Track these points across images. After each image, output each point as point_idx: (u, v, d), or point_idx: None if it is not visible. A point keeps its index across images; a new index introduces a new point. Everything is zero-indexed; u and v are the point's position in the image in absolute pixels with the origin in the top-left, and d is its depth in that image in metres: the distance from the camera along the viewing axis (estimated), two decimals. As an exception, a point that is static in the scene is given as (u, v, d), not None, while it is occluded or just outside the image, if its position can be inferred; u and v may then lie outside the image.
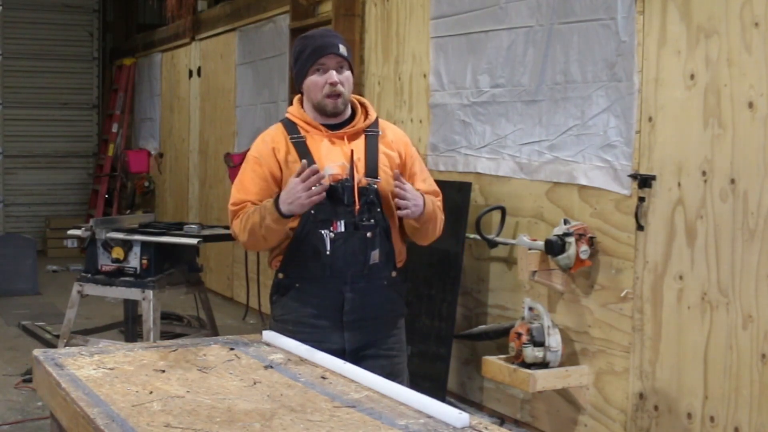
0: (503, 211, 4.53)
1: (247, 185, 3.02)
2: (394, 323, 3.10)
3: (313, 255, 2.97)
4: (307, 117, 3.05)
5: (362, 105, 3.13)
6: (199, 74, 9.20)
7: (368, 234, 2.97)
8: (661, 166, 3.74)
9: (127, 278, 5.42)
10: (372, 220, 2.98)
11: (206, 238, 5.68)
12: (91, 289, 5.52)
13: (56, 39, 11.70)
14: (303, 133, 3.04)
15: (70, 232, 5.84)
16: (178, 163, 9.85)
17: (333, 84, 2.97)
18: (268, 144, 3.04)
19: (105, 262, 5.45)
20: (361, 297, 3.00)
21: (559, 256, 4.00)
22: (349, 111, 3.08)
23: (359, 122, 3.06)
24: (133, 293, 5.43)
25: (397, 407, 2.17)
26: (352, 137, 3.04)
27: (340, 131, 3.03)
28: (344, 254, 2.96)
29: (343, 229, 2.95)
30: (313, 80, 3.00)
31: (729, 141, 3.43)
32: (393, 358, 3.07)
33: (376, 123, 3.10)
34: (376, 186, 2.99)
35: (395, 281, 3.08)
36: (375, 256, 2.99)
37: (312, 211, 2.93)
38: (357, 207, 2.95)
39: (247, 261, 7.70)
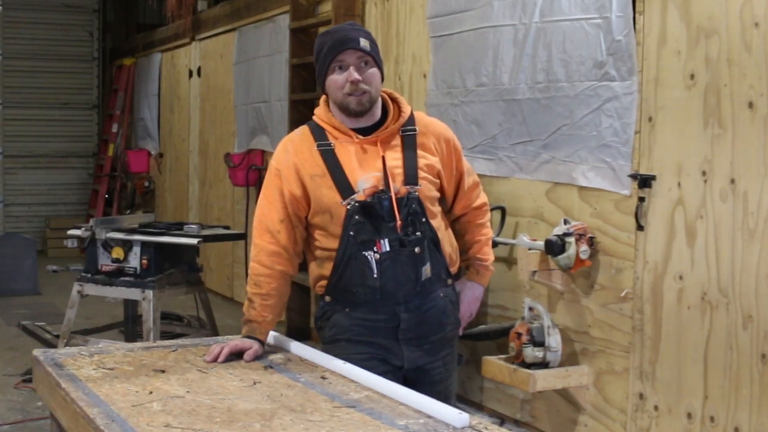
0: (503, 211, 4.53)
1: (272, 202, 2.78)
2: (450, 339, 2.90)
3: (360, 280, 2.72)
4: (335, 121, 2.78)
5: (394, 101, 2.84)
6: (199, 74, 9.20)
7: (416, 249, 2.72)
8: (661, 166, 3.74)
9: (127, 278, 5.42)
10: (418, 233, 2.72)
11: (206, 238, 5.68)
12: (91, 289, 5.52)
13: (56, 39, 11.70)
14: (331, 139, 2.76)
15: (70, 232, 5.84)
16: (178, 163, 9.85)
17: (354, 82, 2.69)
18: (291, 156, 2.78)
19: (105, 262, 5.45)
20: (418, 315, 2.78)
21: (559, 256, 4.00)
22: (379, 111, 2.80)
23: (391, 123, 2.78)
24: (133, 293, 5.44)
25: (397, 407, 2.17)
26: (386, 141, 2.76)
27: (372, 136, 2.75)
28: (394, 275, 2.71)
29: (388, 249, 2.70)
30: (333, 79, 2.73)
31: (729, 141, 3.43)
32: (446, 381, 2.89)
33: (411, 119, 2.82)
34: (416, 193, 2.73)
35: (450, 290, 2.88)
36: (427, 270, 2.76)
37: (351, 233, 2.70)
38: (399, 222, 2.70)
39: (247, 261, 7.68)
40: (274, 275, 2.79)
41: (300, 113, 6.60)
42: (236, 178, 7.79)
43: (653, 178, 3.76)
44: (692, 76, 3.58)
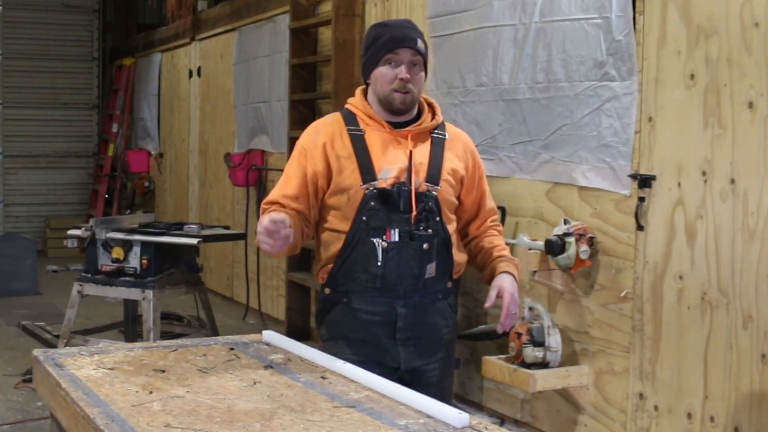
0: (503, 211, 4.53)
1: (290, 179, 2.80)
2: (447, 342, 2.90)
3: (364, 266, 2.74)
4: (370, 110, 2.81)
5: (429, 105, 2.89)
6: (199, 74, 9.20)
7: (425, 245, 2.73)
8: (661, 166, 3.74)
9: (127, 278, 5.42)
10: (430, 230, 2.74)
11: (206, 238, 5.68)
12: (91, 289, 5.52)
13: (56, 39, 11.71)
14: (363, 126, 2.80)
15: (70, 232, 5.84)
16: (178, 163, 9.86)
17: (403, 80, 2.73)
18: (321, 136, 2.80)
19: (105, 262, 5.45)
20: (415, 313, 2.79)
21: (559, 256, 4.01)
22: (415, 110, 2.85)
23: (425, 121, 2.82)
24: (133, 293, 5.44)
25: (397, 407, 2.17)
26: (417, 137, 2.80)
27: (405, 129, 2.79)
28: (397, 266, 2.73)
29: (397, 239, 2.71)
30: (383, 72, 2.76)
31: (729, 141, 3.43)
32: (442, 383, 2.89)
33: (442, 125, 2.88)
34: (435, 193, 2.76)
35: (450, 292, 2.89)
36: (431, 269, 2.76)
37: (364, 218, 2.72)
38: (414, 214, 2.72)
39: (247, 261, 7.70)
40: (289, 213, 2.74)
41: (300, 113, 6.60)
42: (236, 178, 7.79)
43: (653, 178, 3.76)
44: (692, 76, 3.58)
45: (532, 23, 4.36)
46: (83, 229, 5.57)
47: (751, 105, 3.34)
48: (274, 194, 2.85)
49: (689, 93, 3.59)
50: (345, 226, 2.76)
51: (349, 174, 2.75)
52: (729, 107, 3.43)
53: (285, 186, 2.82)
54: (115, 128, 11.40)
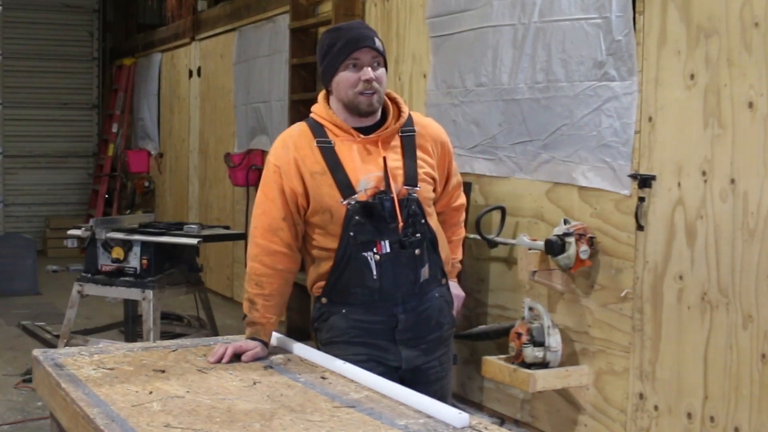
0: (503, 211, 4.53)
1: (273, 200, 2.74)
2: (446, 338, 2.90)
3: (359, 281, 2.71)
4: (337, 119, 2.74)
5: (393, 101, 2.83)
6: (199, 74, 9.20)
7: (416, 251, 2.72)
8: (661, 166, 3.74)
9: (127, 278, 5.42)
10: (418, 234, 2.72)
11: (206, 238, 5.68)
12: (91, 289, 5.52)
13: (56, 39, 11.70)
14: (331, 137, 2.73)
15: (70, 232, 5.84)
16: (178, 163, 9.86)
17: (368, 81, 2.67)
18: (290, 151, 2.73)
19: (105, 262, 5.45)
20: (415, 316, 2.78)
21: (559, 256, 4.00)
22: (380, 111, 2.79)
23: (392, 123, 2.77)
24: (133, 293, 5.44)
25: (397, 407, 2.17)
26: (387, 141, 2.75)
27: (373, 135, 2.73)
28: (393, 276, 2.71)
29: (388, 250, 2.69)
30: (345, 76, 2.70)
31: (729, 141, 3.43)
32: (442, 380, 2.89)
33: (410, 120, 2.82)
34: (415, 195, 2.73)
35: (445, 290, 2.88)
36: (425, 272, 2.76)
37: (351, 233, 2.68)
38: (401, 224, 2.69)
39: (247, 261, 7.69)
40: (276, 275, 2.77)
41: (300, 113, 6.59)
42: (236, 178, 7.79)
43: (653, 178, 3.76)
44: (692, 76, 3.58)
45: (532, 23, 4.36)
46: (83, 229, 5.57)
47: (751, 105, 3.34)
48: (260, 220, 2.77)
49: (689, 93, 3.59)
50: (333, 244, 2.72)
51: (326, 191, 2.70)
52: (729, 107, 3.43)
53: (270, 208, 2.75)
54: (115, 128, 11.39)
